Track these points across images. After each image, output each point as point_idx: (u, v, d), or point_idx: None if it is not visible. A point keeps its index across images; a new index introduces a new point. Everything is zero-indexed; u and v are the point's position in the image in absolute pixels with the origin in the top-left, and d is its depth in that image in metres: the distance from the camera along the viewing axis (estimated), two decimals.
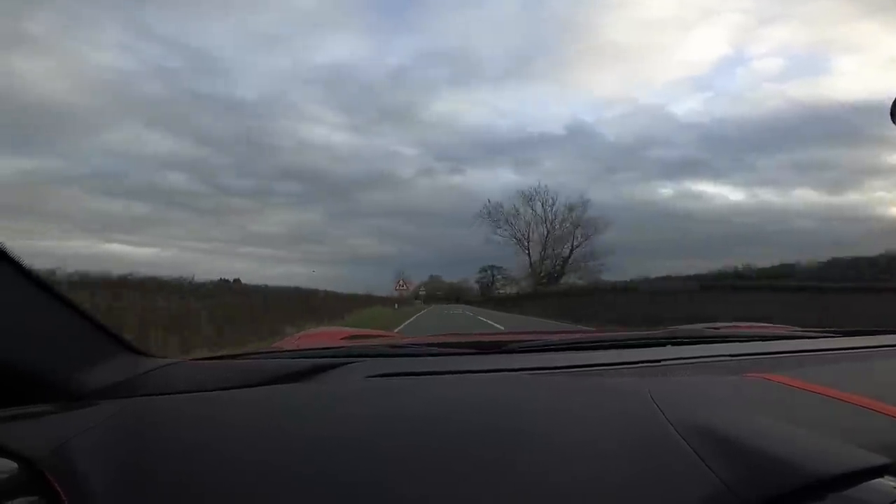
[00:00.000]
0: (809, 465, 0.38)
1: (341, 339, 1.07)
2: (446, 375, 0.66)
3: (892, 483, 0.37)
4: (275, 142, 64.34)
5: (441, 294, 65.55)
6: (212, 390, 0.60)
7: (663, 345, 0.83)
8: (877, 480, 0.37)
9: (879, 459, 0.38)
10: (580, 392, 0.59)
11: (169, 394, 0.59)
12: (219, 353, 0.76)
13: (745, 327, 1.14)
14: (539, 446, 0.47)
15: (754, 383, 0.59)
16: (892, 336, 0.92)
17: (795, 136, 54.24)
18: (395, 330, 9.74)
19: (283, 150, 63.48)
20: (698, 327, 1.09)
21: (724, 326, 1.08)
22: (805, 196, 49.82)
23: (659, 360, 0.72)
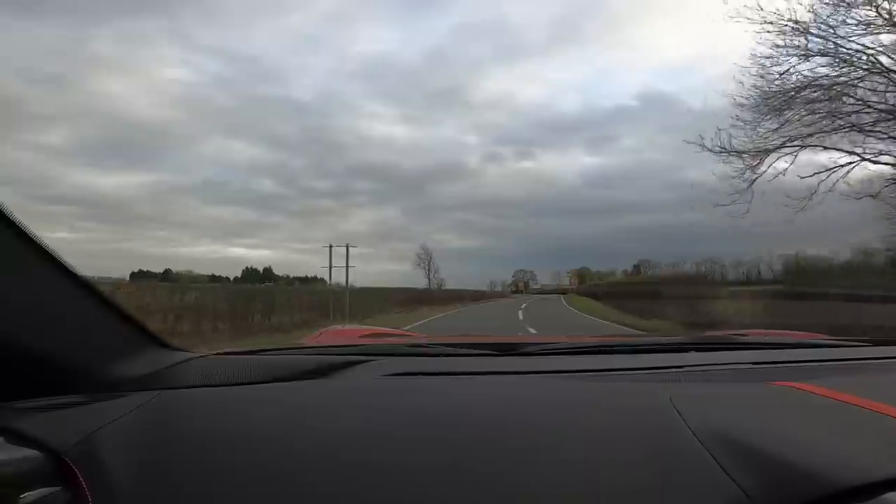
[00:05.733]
0: (832, 474, 0.37)
1: (360, 336, 1.09)
2: (460, 376, 0.66)
3: None
4: (339, 140, 66.21)
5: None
6: (235, 384, 0.61)
7: (686, 350, 0.81)
8: None
9: None
10: (598, 396, 0.58)
11: (194, 387, 0.60)
12: (243, 349, 0.78)
13: (772, 334, 1.10)
14: (553, 451, 0.46)
15: (779, 392, 0.57)
16: None
17: None
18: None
19: (348, 147, 65.25)
20: (724, 333, 1.06)
21: (751, 333, 1.05)
22: None
23: (681, 366, 0.71)
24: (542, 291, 62.26)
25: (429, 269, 49.85)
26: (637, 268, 57.64)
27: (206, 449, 0.48)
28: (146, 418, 0.52)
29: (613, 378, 0.67)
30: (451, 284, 44.86)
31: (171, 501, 0.44)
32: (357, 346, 0.87)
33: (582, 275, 62.45)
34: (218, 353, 0.74)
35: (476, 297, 37.93)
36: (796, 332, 1.16)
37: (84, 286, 0.55)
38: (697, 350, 0.81)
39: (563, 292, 55.77)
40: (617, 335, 1.17)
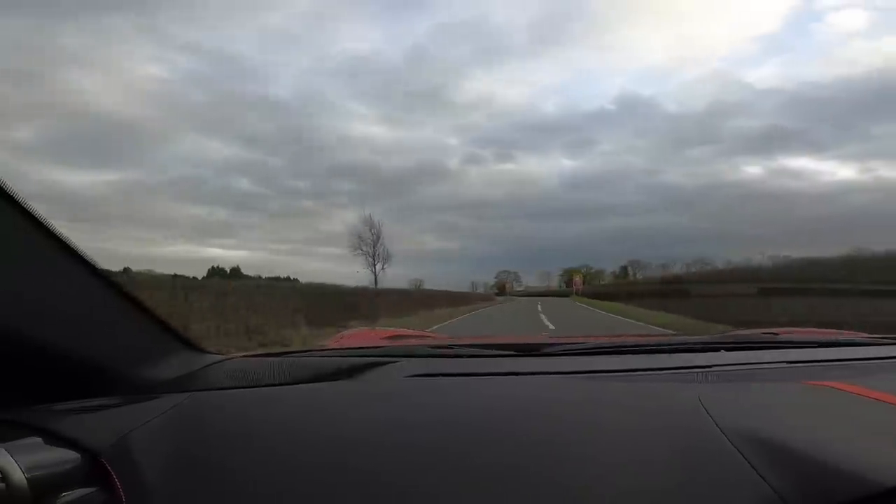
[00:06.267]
0: (867, 475, 0.37)
1: (382, 338, 1.09)
2: (483, 377, 0.66)
3: None
4: (318, 139, 65.93)
5: None
6: (264, 386, 0.62)
7: (716, 350, 0.80)
8: None
9: None
10: (624, 397, 0.57)
11: (224, 388, 0.61)
12: (270, 351, 0.77)
13: (805, 332, 1.09)
14: (579, 452, 0.46)
15: (813, 391, 0.56)
16: None
17: None
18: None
19: (327, 147, 65.01)
20: (755, 332, 1.06)
21: (782, 331, 1.05)
22: None
23: (710, 366, 0.69)
24: (528, 293, 60.18)
25: (374, 257, 32.56)
26: (625, 269, 58.22)
27: (236, 449, 0.49)
28: (179, 419, 0.53)
29: (639, 378, 0.66)
30: (430, 285, 38.69)
31: (203, 500, 0.45)
32: (379, 347, 0.88)
33: (583, 275, 61.53)
34: (245, 356, 0.76)
35: (456, 300, 26.27)
36: (829, 329, 1.16)
37: (118, 291, 0.56)
38: (727, 349, 0.80)
39: (565, 294, 51.55)
40: (643, 335, 1.16)
